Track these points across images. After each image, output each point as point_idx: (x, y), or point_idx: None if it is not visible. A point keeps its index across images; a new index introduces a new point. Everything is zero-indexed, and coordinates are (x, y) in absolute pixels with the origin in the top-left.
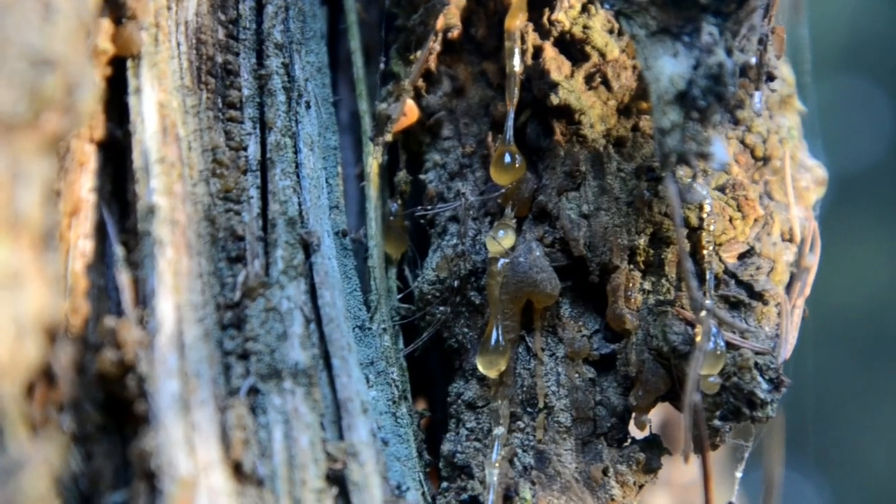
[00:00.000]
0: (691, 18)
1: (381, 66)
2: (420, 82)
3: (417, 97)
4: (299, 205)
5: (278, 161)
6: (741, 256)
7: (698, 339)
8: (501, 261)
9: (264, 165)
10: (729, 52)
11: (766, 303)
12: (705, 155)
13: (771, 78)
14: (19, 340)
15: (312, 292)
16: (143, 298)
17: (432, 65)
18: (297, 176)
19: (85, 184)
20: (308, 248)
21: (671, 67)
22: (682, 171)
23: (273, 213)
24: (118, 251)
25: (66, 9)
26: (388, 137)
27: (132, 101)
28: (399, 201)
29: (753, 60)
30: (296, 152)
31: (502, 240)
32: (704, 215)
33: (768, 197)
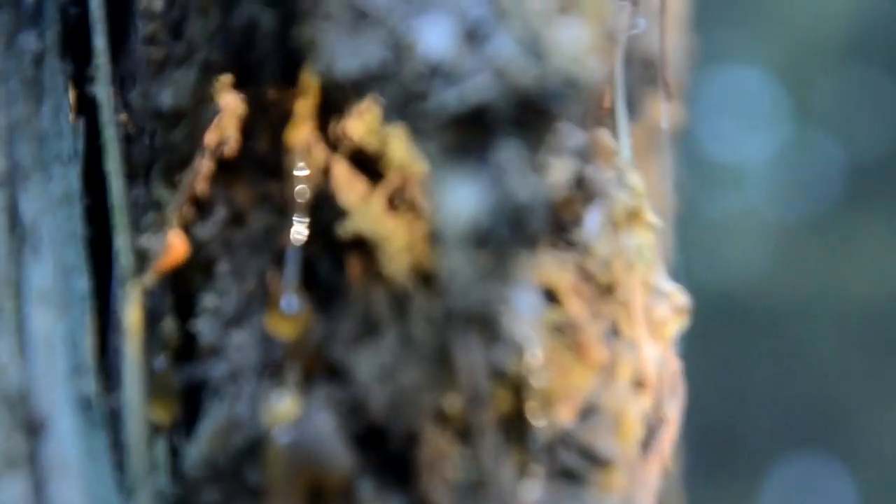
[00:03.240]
0: (486, 140)
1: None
2: (190, 210)
3: (187, 228)
4: (24, 375)
5: None
6: (581, 412)
7: None
8: (282, 433)
9: None
10: (540, 171)
11: (611, 469)
12: (522, 295)
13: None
14: None
15: (40, 485)
16: None
17: (203, 188)
18: (23, 337)
19: None
20: (35, 430)
21: (460, 197)
22: (499, 316)
23: None
24: None
25: None
26: (151, 278)
27: None
28: (166, 355)
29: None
30: (21, 308)
31: (282, 406)
32: (531, 367)
33: (614, 335)
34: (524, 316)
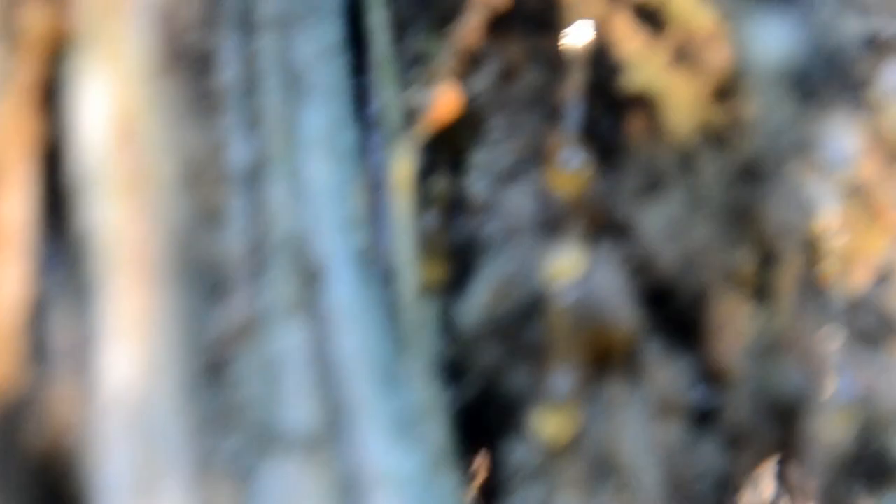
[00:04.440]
0: None
1: (411, 44)
2: (461, 64)
3: (458, 83)
4: (300, 221)
5: (271, 166)
6: (876, 276)
7: (822, 388)
8: (566, 290)
9: (253, 172)
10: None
11: None
12: (823, 148)
13: None
14: None
15: (319, 333)
16: (90, 349)
17: (475, 42)
18: (298, 184)
19: (12, 207)
20: (313, 277)
21: (774, 38)
22: (797, 171)
23: (265, 233)
24: (57, 291)
25: None
26: (421, 133)
27: (74, 94)
28: (437, 213)
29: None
30: (295, 154)
31: (565, 263)
32: (827, 227)
33: None
34: (827, 172)
